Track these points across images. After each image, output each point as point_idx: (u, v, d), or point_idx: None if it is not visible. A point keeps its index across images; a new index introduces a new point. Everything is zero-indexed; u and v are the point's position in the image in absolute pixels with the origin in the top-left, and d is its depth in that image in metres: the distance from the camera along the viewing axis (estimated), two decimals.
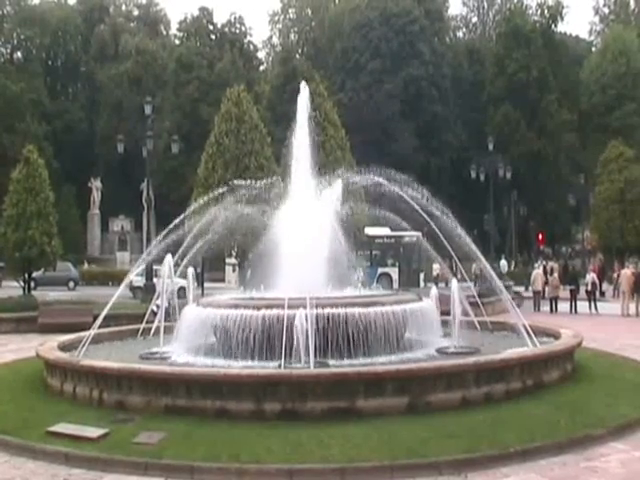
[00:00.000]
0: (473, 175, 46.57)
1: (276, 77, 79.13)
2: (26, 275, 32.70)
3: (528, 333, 15.13)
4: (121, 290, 19.72)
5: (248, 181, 21.34)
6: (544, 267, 39.70)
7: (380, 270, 46.35)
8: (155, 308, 18.29)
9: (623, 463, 10.24)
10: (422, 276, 47.86)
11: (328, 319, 13.75)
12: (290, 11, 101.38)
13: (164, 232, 17.88)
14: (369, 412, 11.53)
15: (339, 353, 13.88)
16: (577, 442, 10.83)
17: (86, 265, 63.75)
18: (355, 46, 78.65)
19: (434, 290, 18.64)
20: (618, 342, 21.99)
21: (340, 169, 25.45)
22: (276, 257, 16.40)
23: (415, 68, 76.64)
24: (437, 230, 16.69)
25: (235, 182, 20.58)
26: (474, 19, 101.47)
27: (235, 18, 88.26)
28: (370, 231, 40.83)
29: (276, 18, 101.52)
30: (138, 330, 18.77)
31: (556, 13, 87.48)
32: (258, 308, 14.10)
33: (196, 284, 29.49)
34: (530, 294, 37.13)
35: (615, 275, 39.87)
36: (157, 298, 18.51)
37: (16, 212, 31.08)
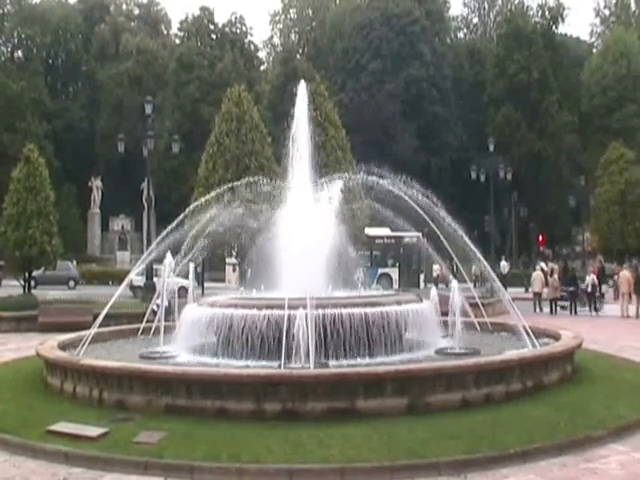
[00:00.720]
0: (473, 176, 46.58)
1: (277, 77, 79.24)
2: (26, 274, 32.74)
3: (528, 334, 15.13)
4: (121, 289, 19.72)
5: (249, 181, 21.32)
6: (541, 268, 39.81)
7: (380, 270, 46.38)
8: (155, 307, 18.30)
9: (622, 465, 10.23)
10: (422, 277, 47.92)
11: (328, 319, 13.74)
12: (291, 11, 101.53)
13: (165, 232, 17.88)
14: (369, 412, 11.52)
15: (339, 353, 13.88)
16: (577, 443, 10.82)
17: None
18: (356, 46, 78.71)
19: (434, 291, 18.64)
20: (618, 343, 21.97)
21: (341, 169, 25.51)
22: (276, 257, 16.41)
23: (416, 69, 76.70)
24: (437, 231, 16.70)
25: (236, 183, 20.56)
26: (475, 20, 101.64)
27: (236, 18, 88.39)
28: (370, 231, 40.79)
29: (277, 18, 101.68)
30: (138, 329, 18.78)
31: (557, 14, 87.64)
32: (258, 308, 14.11)
33: (196, 284, 29.49)
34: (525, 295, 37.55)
35: (615, 277, 39.83)
36: (157, 297, 18.53)
37: (16, 211, 31.11)
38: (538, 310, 34.67)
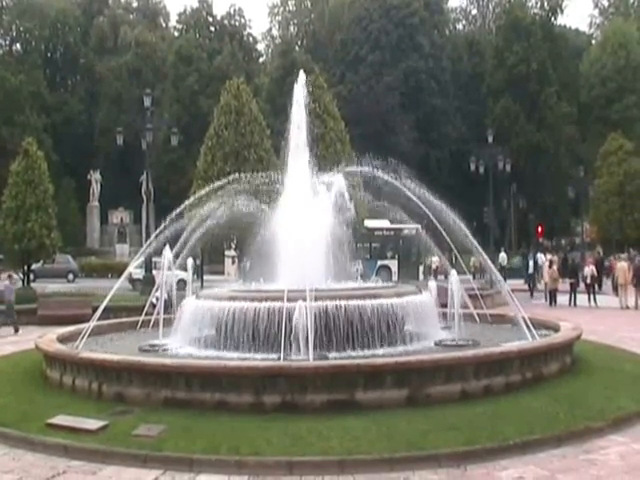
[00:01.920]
0: (472, 167, 46.50)
1: (275, 69, 79.12)
2: (25, 267, 32.73)
3: (527, 326, 15.11)
4: (120, 282, 19.71)
5: (248, 174, 21.31)
6: (534, 260, 40.19)
7: (379, 263, 46.27)
8: (154, 300, 18.29)
9: (622, 456, 10.23)
10: (421, 269, 47.86)
11: (327, 311, 13.73)
12: (290, 3, 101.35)
13: (163, 224, 17.86)
14: (368, 404, 11.52)
15: (338, 345, 13.88)
16: (576, 435, 10.82)
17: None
18: (355, 38, 78.61)
19: (433, 283, 18.61)
20: (617, 335, 21.96)
21: (339, 161, 25.47)
22: (275, 250, 16.39)
23: (415, 60, 76.63)
24: (436, 223, 16.68)
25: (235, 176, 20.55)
26: (474, 11, 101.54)
27: (235, 10, 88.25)
28: (369, 223, 40.78)
29: (276, 10, 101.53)
30: (137, 322, 18.77)
31: (556, 6, 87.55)
32: (258, 300, 14.10)
33: (195, 276, 29.48)
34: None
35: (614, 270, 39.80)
36: (156, 290, 18.53)
37: (15, 204, 31.10)
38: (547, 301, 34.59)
